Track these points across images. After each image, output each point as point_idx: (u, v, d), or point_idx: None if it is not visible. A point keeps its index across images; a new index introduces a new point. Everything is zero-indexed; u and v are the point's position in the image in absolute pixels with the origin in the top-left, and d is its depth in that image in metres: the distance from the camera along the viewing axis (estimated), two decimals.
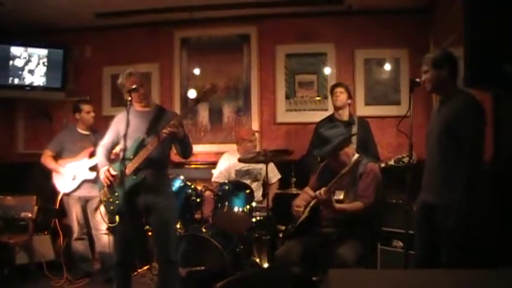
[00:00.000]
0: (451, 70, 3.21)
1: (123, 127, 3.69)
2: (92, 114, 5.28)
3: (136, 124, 3.73)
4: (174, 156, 4.12)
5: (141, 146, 3.72)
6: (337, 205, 3.75)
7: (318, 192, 3.76)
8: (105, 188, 3.82)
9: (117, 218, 3.74)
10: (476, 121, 3.08)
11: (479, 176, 3.06)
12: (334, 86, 5.20)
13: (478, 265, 3.03)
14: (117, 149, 4.08)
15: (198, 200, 4.83)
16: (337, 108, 5.10)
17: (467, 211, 2.96)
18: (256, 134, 5.60)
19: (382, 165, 4.52)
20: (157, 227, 3.83)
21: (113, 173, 3.76)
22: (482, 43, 2.79)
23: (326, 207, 3.81)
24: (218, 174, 5.38)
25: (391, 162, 4.48)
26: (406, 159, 4.34)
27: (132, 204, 3.69)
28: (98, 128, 5.14)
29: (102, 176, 3.80)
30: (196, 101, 3.99)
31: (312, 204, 3.95)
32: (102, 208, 4.03)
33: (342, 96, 5.05)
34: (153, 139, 3.70)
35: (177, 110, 6.19)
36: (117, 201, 3.75)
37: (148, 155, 3.69)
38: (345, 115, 5.08)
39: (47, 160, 5.19)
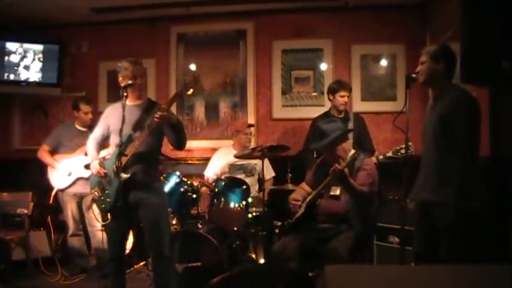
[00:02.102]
0: (447, 66, 3.19)
1: (114, 120, 3.67)
2: (90, 115, 5.25)
3: (127, 118, 3.66)
4: (171, 152, 4.11)
5: (129, 141, 3.66)
6: (352, 181, 3.74)
7: (335, 166, 3.69)
8: (97, 187, 3.80)
9: (109, 216, 3.73)
10: (471, 116, 3.08)
11: (476, 171, 3.06)
12: (338, 88, 5.03)
13: (475, 261, 3.04)
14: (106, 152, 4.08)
15: (194, 195, 4.81)
16: (336, 108, 5.07)
17: (463, 207, 2.96)
18: (252, 128, 5.56)
19: (381, 157, 4.53)
20: (149, 223, 3.79)
21: (104, 170, 3.74)
22: (479, 39, 2.78)
23: (340, 179, 3.76)
24: (210, 169, 5.37)
25: (390, 154, 4.49)
26: (404, 150, 4.35)
27: (123, 200, 3.67)
28: (95, 124, 5.12)
29: (93, 170, 3.78)
30: (179, 92, 3.97)
31: (308, 199, 3.96)
32: (95, 207, 4.02)
33: (347, 100, 5.04)
34: (141, 134, 3.65)
35: (173, 105, 6.15)
36: (108, 199, 3.73)
37: (136, 150, 3.64)
38: (342, 112, 5.07)
39: (44, 155, 5.18)
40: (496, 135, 3.99)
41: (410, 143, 3.47)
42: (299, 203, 4.05)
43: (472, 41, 2.82)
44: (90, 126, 5.08)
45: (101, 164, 3.76)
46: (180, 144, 3.84)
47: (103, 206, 3.79)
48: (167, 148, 3.99)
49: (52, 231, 5.49)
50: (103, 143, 4.00)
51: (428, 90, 4.38)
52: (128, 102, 3.77)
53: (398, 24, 5.84)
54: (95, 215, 4.89)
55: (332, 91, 5.07)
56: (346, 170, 3.69)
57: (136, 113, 3.79)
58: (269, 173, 5.35)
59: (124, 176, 3.63)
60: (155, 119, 3.56)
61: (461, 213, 2.97)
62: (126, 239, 4.05)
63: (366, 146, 4.91)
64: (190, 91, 3.75)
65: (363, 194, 3.78)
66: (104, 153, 4.10)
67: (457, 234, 3.02)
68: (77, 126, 5.27)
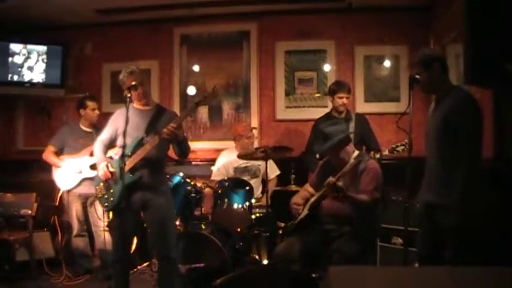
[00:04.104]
0: (441, 68, 3.19)
1: (122, 124, 3.69)
2: (97, 112, 5.27)
3: (135, 122, 3.73)
4: (174, 153, 4.11)
5: (139, 144, 3.72)
6: (348, 193, 3.73)
7: (330, 179, 3.70)
8: (101, 184, 3.83)
9: (110, 214, 3.74)
10: (472, 116, 3.07)
11: (479, 172, 3.05)
12: (337, 89, 5.02)
13: (480, 263, 3.04)
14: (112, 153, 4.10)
15: (198, 196, 4.83)
16: (336, 109, 5.08)
17: (466, 208, 2.96)
18: (254, 131, 5.55)
19: (377, 156, 4.53)
20: (154, 224, 3.83)
21: (111, 169, 3.76)
22: (483, 40, 2.79)
23: (338, 192, 3.75)
24: (216, 171, 5.36)
25: (386, 152, 4.50)
26: (400, 148, 4.35)
27: (128, 201, 3.68)
28: (102, 125, 5.12)
29: (100, 172, 3.80)
30: (197, 104, 3.96)
31: (312, 200, 3.96)
32: (99, 206, 4.03)
33: (346, 101, 5.03)
34: (152, 139, 3.69)
35: (177, 107, 6.20)
36: (111, 198, 3.76)
37: (146, 155, 3.68)
38: (343, 112, 5.07)
39: (49, 155, 5.18)
40: (499, 137, 3.99)
41: (406, 141, 3.47)
42: (300, 207, 4.05)
43: (476, 42, 2.82)
44: (96, 127, 5.10)
45: (108, 165, 3.78)
46: (182, 156, 3.99)
47: (106, 204, 3.82)
48: (170, 149, 4.00)
49: (56, 232, 5.50)
50: (110, 146, 4.03)
51: None
52: (136, 107, 3.81)
53: (402, 25, 5.85)
54: (98, 215, 4.93)
55: (331, 92, 5.07)
56: (340, 183, 3.69)
57: (146, 117, 3.86)
58: (273, 172, 5.35)
59: (130, 177, 3.66)
60: (164, 135, 3.61)
61: (465, 214, 2.97)
62: (131, 241, 4.06)
63: (372, 146, 4.90)
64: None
65: (362, 203, 3.77)
66: (110, 153, 4.12)
67: (461, 235, 3.01)
68: (82, 126, 5.28)
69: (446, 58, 3.22)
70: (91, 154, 4.97)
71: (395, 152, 4.42)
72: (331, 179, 3.68)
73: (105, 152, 3.99)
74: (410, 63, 3.33)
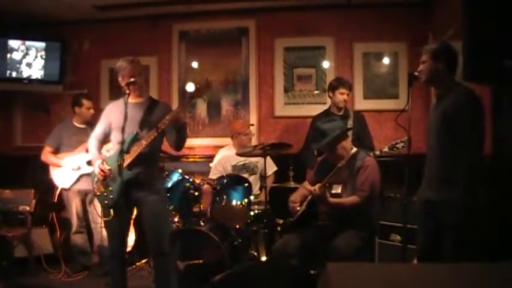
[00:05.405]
0: (449, 63, 3.18)
1: (115, 118, 3.69)
2: (92, 111, 5.28)
3: (130, 116, 3.65)
4: (172, 149, 4.11)
5: (135, 140, 3.69)
6: (332, 200, 3.77)
7: (313, 188, 3.78)
8: (99, 182, 3.81)
9: (111, 211, 3.72)
10: (474, 113, 3.06)
11: (480, 169, 3.04)
12: (338, 85, 5.06)
13: (478, 259, 3.04)
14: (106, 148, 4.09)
15: (196, 193, 4.81)
16: (336, 105, 5.08)
17: (468, 206, 2.95)
18: (252, 128, 5.53)
19: (377, 153, 4.53)
20: (148, 221, 3.80)
21: (107, 167, 3.73)
22: (481, 37, 2.78)
23: (321, 202, 3.82)
24: (213, 169, 5.32)
25: (386, 149, 4.50)
26: (400, 145, 4.34)
27: (126, 198, 3.66)
28: (96, 121, 5.11)
29: (96, 170, 3.77)
30: (190, 97, 3.95)
31: (309, 198, 3.96)
32: (97, 203, 4.01)
33: (346, 97, 5.05)
34: (148, 134, 3.67)
35: (175, 103, 6.18)
36: (110, 196, 3.72)
37: (143, 150, 3.66)
38: (342, 109, 5.07)
39: (48, 156, 5.17)
40: (498, 133, 3.98)
41: (405, 137, 3.47)
42: (298, 205, 4.05)
43: (474, 38, 2.81)
44: (89, 123, 5.09)
45: (104, 162, 3.76)
46: (180, 146, 3.91)
47: (105, 202, 3.79)
48: (165, 143, 3.99)
49: (54, 228, 5.49)
50: (104, 140, 4.00)
51: (430, 89, 4.38)
52: (130, 100, 3.77)
53: (401, 22, 5.84)
54: (97, 212, 4.92)
55: (332, 88, 5.09)
56: (325, 192, 3.76)
57: (139, 111, 3.81)
58: (271, 169, 5.33)
59: (128, 174, 3.64)
60: (165, 122, 3.59)
61: (465, 211, 2.96)
62: (126, 235, 4.04)
63: (366, 144, 4.91)
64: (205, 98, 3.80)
65: (352, 205, 3.79)
66: (105, 148, 4.10)
67: (460, 232, 3.01)
68: (75, 123, 5.28)
69: (458, 55, 3.18)
70: (87, 150, 4.97)
71: (395, 149, 4.42)
72: (314, 187, 3.74)
73: (100, 148, 3.97)
74: (421, 49, 3.32)
